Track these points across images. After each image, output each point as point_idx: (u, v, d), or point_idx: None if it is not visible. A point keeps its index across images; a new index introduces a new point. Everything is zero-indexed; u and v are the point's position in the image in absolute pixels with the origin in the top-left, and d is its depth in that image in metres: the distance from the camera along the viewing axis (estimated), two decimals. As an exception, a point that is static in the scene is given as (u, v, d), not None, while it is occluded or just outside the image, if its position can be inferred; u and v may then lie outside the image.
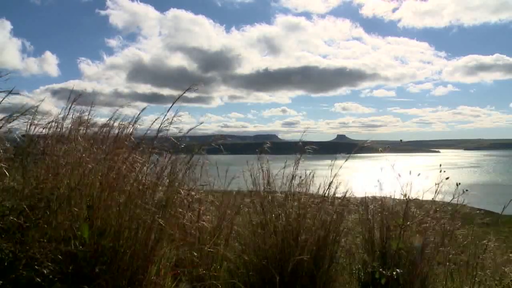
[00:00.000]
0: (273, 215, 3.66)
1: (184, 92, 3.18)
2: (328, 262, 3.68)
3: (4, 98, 2.79)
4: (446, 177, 3.88)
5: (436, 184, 3.96)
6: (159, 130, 3.19)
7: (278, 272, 3.32)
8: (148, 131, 3.31)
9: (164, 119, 3.18)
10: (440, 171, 3.96)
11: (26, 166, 2.85)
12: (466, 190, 4.03)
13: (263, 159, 3.92)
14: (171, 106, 3.18)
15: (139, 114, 3.34)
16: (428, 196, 4.10)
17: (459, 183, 3.98)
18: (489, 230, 5.06)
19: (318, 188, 3.99)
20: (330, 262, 3.70)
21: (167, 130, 3.21)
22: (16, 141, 3.07)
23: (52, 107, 3.74)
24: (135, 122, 3.35)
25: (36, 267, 2.34)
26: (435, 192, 4.02)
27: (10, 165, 2.76)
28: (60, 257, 2.45)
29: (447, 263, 4.04)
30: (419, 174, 3.92)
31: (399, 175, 3.88)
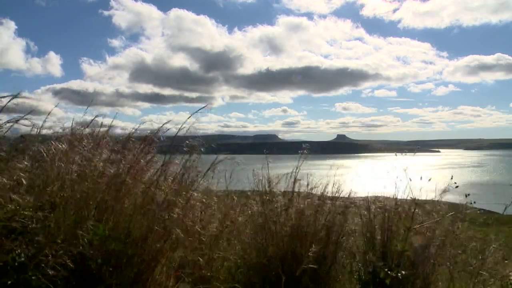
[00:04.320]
0: (276, 216, 3.67)
1: (196, 111, 3.23)
2: (330, 262, 3.69)
3: (9, 101, 2.81)
4: (455, 184, 3.87)
5: (441, 189, 3.96)
6: (175, 134, 3.20)
7: (281, 272, 3.32)
8: (152, 132, 3.32)
9: (182, 126, 3.22)
10: (451, 178, 3.93)
11: (34, 167, 2.86)
12: (468, 195, 4.06)
13: (260, 159, 3.95)
14: (188, 117, 3.22)
15: (162, 125, 3.36)
16: (433, 196, 4.09)
17: (457, 185, 3.97)
18: (490, 230, 5.06)
19: (321, 189, 4.00)
20: (332, 262, 3.71)
21: (185, 133, 3.24)
22: (21, 142, 3.07)
23: (53, 107, 3.75)
24: (157, 132, 3.36)
25: (46, 269, 2.34)
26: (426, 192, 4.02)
27: (17, 165, 2.76)
28: (67, 258, 2.46)
29: (448, 264, 4.04)
30: (430, 179, 3.89)
31: (410, 179, 3.86)
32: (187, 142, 3.26)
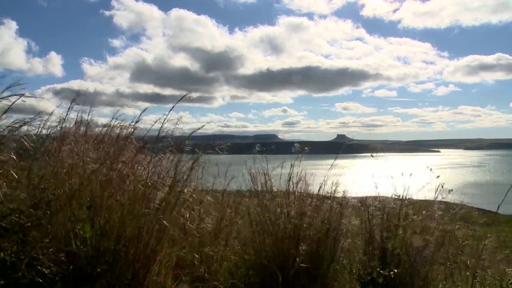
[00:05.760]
0: (273, 215, 3.67)
1: (182, 98, 3.21)
2: (328, 261, 3.69)
3: (13, 103, 2.84)
4: (437, 175, 3.91)
5: (427, 183, 3.98)
6: (160, 131, 3.21)
7: (277, 271, 3.33)
8: (149, 132, 3.34)
9: (165, 121, 3.21)
10: (434, 174, 3.96)
11: (30, 166, 2.87)
12: (451, 190, 4.10)
13: (261, 159, 3.94)
14: (171, 109, 3.21)
15: (140, 115, 3.36)
16: (429, 196, 4.10)
17: (444, 184, 3.99)
18: (489, 230, 5.07)
19: (319, 188, 4.01)
20: (330, 261, 3.71)
21: (171, 131, 3.24)
22: (20, 141, 3.08)
23: (53, 107, 3.76)
24: (136, 122, 3.37)
25: (38, 267, 2.35)
26: (422, 191, 4.03)
27: (14, 165, 2.78)
28: (61, 257, 2.47)
29: (447, 263, 4.04)
30: (410, 174, 3.93)
31: (392, 177, 3.90)
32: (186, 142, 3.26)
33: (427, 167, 3.96)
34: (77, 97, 3.53)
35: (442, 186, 3.94)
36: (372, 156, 4.11)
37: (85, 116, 3.66)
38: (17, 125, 3.08)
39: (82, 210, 2.70)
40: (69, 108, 3.48)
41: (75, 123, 3.55)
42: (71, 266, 2.55)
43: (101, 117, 3.68)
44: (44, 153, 3.03)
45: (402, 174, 3.89)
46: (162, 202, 2.94)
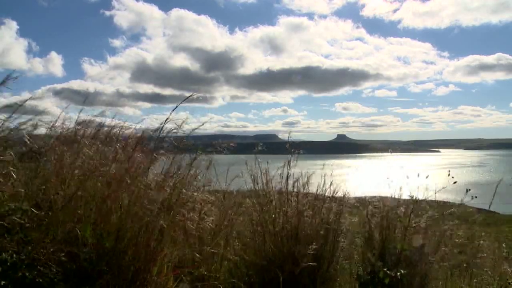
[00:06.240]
0: (272, 215, 3.68)
1: (186, 98, 3.22)
2: (328, 261, 3.69)
3: (19, 105, 2.84)
4: (452, 178, 3.90)
5: (442, 187, 3.97)
6: (161, 131, 3.21)
7: (279, 272, 3.33)
8: (151, 132, 3.34)
9: (167, 121, 3.21)
10: (449, 175, 3.95)
11: (33, 167, 2.87)
12: (469, 190, 4.07)
13: (260, 159, 3.95)
14: (174, 109, 3.20)
15: (142, 119, 3.38)
16: (431, 195, 4.10)
17: (469, 189, 4.00)
18: (489, 230, 5.08)
19: (317, 188, 4.02)
20: (330, 261, 3.72)
21: (173, 131, 3.24)
22: (23, 141, 3.09)
23: (54, 107, 3.77)
24: (137, 122, 3.38)
25: (38, 267, 2.35)
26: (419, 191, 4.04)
27: (16, 165, 2.78)
28: (62, 257, 2.47)
29: (447, 263, 4.05)
30: (427, 176, 3.92)
31: (408, 177, 3.90)
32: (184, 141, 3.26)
33: (448, 171, 3.95)
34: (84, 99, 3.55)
35: (467, 190, 3.95)
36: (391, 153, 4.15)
37: (85, 117, 3.67)
38: (19, 126, 3.08)
39: (83, 210, 2.70)
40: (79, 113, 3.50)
41: (77, 124, 3.55)
42: (71, 266, 2.55)
43: (101, 117, 3.68)
44: (47, 153, 3.03)
45: (418, 175, 3.89)
46: (163, 203, 2.94)
